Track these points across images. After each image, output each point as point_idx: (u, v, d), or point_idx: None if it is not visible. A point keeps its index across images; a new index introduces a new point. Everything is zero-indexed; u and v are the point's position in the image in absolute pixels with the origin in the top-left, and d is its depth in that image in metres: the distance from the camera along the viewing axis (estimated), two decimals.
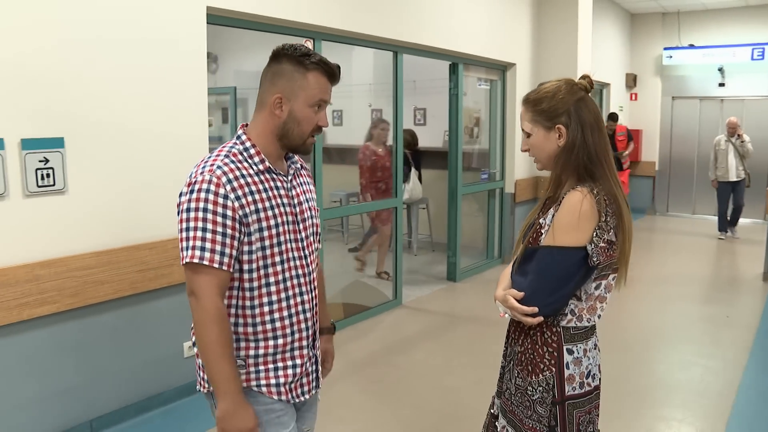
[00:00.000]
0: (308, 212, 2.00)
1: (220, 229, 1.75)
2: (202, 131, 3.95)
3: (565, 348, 1.96)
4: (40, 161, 3.18)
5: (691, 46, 11.50)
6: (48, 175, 3.22)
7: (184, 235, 1.76)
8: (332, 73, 1.90)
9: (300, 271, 1.94)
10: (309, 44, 4.89)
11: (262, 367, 1.90)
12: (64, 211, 3.31)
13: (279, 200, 1.88)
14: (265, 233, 1.84)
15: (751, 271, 7.69)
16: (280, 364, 1.92)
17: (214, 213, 1.74)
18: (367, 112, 9.69)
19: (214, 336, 1.75)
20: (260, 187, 1.84)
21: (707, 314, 6.03)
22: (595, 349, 2.04)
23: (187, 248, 1.75)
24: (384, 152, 6.81)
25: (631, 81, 12.03)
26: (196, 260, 1.73)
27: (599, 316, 2.01)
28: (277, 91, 1.85)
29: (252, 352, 1.89)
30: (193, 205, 1.75)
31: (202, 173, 1.78)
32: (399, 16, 5.61)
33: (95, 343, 3.53)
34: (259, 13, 4.24)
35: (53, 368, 3.36)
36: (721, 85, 11.48)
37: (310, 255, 1.99)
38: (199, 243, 1.73)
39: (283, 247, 1.89)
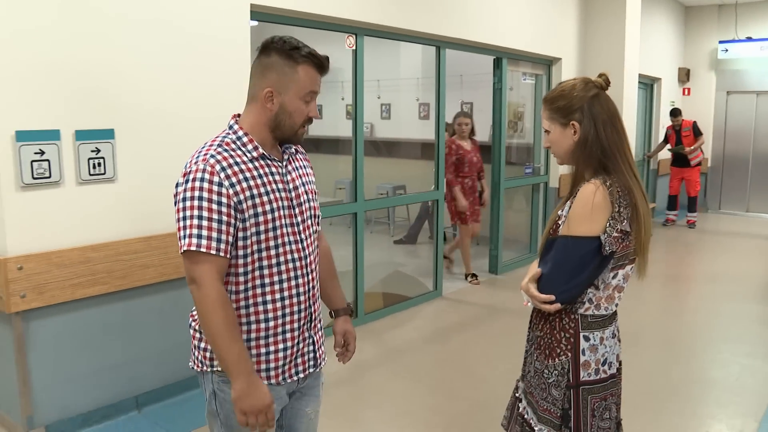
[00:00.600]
0: (305, 196, 2.03)
1: (216, 216, 1.79)
2: None
3: (581, 335, 2.05)
4: (92, 151, 3.38)
5: (749, 39, 11.19)
6: (99, 164, 3.42)
7: (181, 224, 1.81)
8: (321, 65, 1.93)
9: (295, 255, 1.97)
10: (351, 39, 5.02)
11: (254, 351, 1.94)
12: (113, 198, 3.51)
13: (274, 185, 1.92)
14: (261, 218, 1.88)
15: None
16: (271, 348, 1.96)
17: (210, 201, 1.79)
18: (414, 106, 9.79)
19: (221, 320, 1.79)
20: (255, 173, 1.88)
21: (752, 313, 5.93)
22: (613, 338, 2.11)
23: (184, 237, 1.79)
24: (471, 147, 6.71)
25: (684, 75, 11.79)
26: (194, 248, 1.77)
27: (617, 305, 2.09)
28: (268, 85, 1.89)
29: (244, 336, 1.93)
30: (188, 194, 1.80)
31: (196, 163, 1.84)
32: (442, 10, 5.68)
33: (141, 324, 3.73)
34: (303, 10, 4.38)
35: (103, 345, 3.57)
36: None
37: (306, 238, 2.02)
38: (195, 231, 1.78)
39: (278, 232, 1.92)
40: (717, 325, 5.65)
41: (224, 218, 1.80)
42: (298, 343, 2.01)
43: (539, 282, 2.07)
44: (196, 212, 1.79)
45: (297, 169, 2.05)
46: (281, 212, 1.93)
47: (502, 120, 7.01)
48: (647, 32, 9.60)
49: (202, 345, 1.96)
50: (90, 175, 3.39)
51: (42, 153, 3.19)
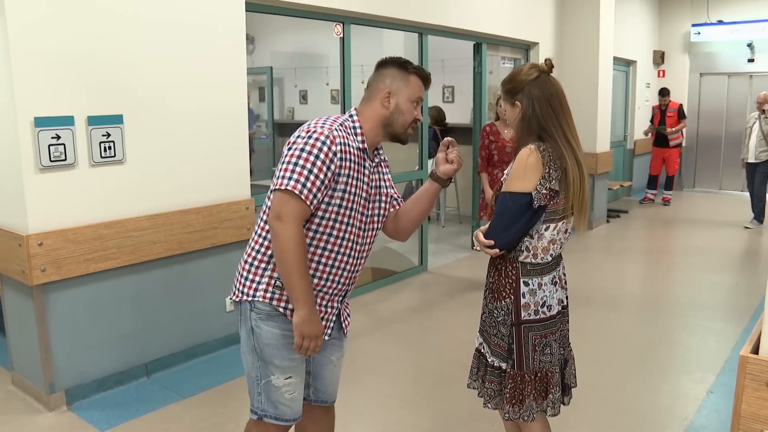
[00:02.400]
0: (379, 197, 2.39)
1: (321, 176, 2.11)
2: (242, 106, 4.41)
3: (522, 280, 2.43)
4: (103, 135, 3.64)
5: (720, 22, 11.57)
6: (110, 148, 3.68)
7: (290, 167, 2.10)
8: (426, 78, 2.35)
9: (356, 239, 2.30)
10: (339, 27, 5.29)
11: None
12: (123, 179, 3.77)
13: (363, 176, 2.27)
14: (346, 195, 2.21)
15: None
16: None
17: (323, 162, 2.11)
18: None
19: (296, 257, 2.09)
20: (355, 159, 2.23)
21: (717, 283, 6.32)
22: (553, 285, 2.48)
23: (290, 178, 2.08)
24: (512, 134, 5.73)
25: (659, 58, 12.15)
26: (296, 191, 2.07)
27: (552, 256, 2.45)
28: (386, 87, 2.28)
29: None
30: (308, 148, 2.11)
31: (322, 126, 2.16)
32: None
33: (149, 296, 4.01)
34: (293, 0, 4.65)
35: (115, 316, 3.85)
36: (751, 60, 11.53)
37: (366, 230, 2.35)
38: (302, 179, 2.08)
39: (353, 213, 2.26)
40: (686, 293, 6.03)
41: (325, 181, 2.13)
42: (327, 307, 2.32)
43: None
44: (309, 165, 2.09)
45: (381, 173, 2.42)
46: (359, 199, 2.27)
47: (482, 103, 7.31)
48: (622, 16, 9.92)
49: (250, 276, 2.27)
50: (101, 157, 3.65)
51: (58, 138, 3.45)
